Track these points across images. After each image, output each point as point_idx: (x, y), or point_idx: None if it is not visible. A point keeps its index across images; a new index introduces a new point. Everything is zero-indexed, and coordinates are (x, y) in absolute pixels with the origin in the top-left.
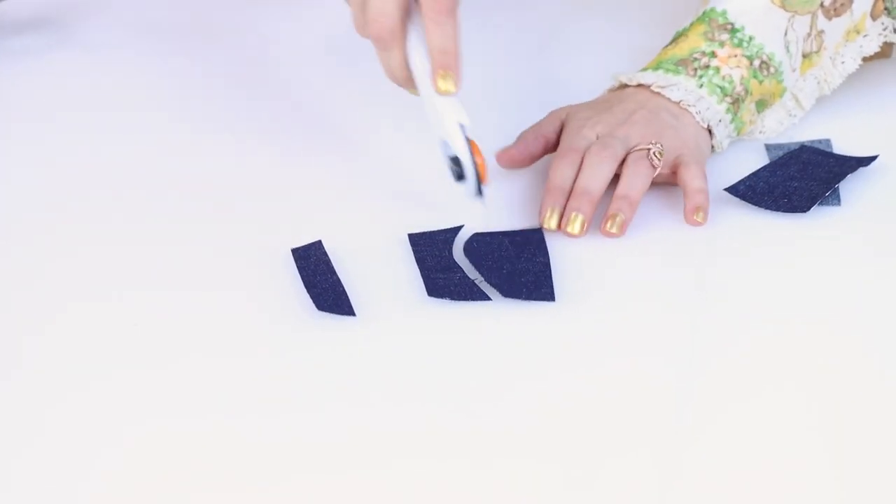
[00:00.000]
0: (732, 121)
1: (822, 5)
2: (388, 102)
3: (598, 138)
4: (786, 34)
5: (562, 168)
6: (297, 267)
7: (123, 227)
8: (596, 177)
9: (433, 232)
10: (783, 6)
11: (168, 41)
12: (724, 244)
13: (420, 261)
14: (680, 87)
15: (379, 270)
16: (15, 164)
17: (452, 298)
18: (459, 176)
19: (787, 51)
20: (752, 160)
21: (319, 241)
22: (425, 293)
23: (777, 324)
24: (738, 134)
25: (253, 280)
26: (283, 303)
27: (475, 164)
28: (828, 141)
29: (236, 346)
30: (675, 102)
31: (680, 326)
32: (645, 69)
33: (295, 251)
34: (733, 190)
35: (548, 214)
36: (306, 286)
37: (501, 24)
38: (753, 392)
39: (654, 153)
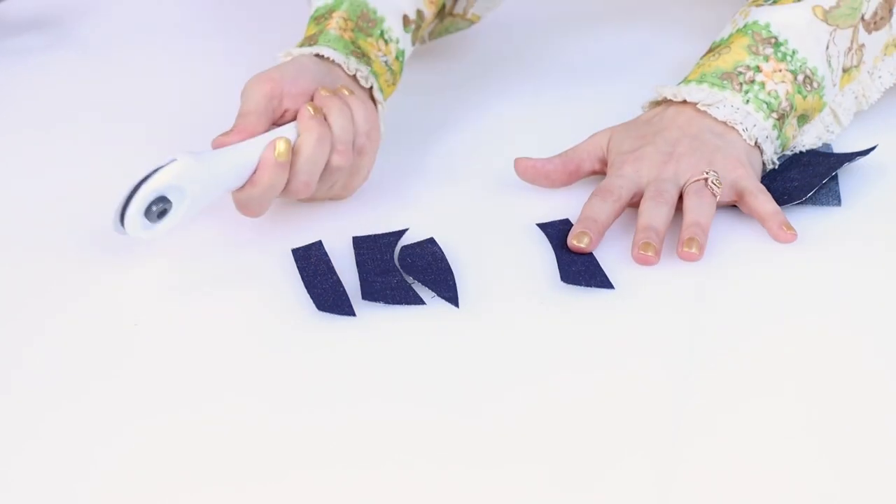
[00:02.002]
0: (779, 137)
1: (863, 19)
2: (389, 102)
3: (644, 180)
4: (827, 48)
5: (596, 203)
6: (298, 267)
7: None
8: (656, 218)
9: (377, 235)
10: (825, 20)
11: (168, 41)
12: (725, 245)
13: (360, 264)
14: (726, 103)
15: None
16: (14, 164)
17: (387, 302)
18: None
19: (829, 65)
20: None
21: (319, 242)
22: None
23: (778, 324)
24: (782, 150)
25: (253, 280)
26: (283, 303)
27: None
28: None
29: (236, 346)
30: (720, 122)
31: (679, 327)
32: (688, 81)
33: (295, 251)
34: None
35: (577, 235)
36: (306, 286)
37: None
38: (753, 393)
39: (712, 182)
